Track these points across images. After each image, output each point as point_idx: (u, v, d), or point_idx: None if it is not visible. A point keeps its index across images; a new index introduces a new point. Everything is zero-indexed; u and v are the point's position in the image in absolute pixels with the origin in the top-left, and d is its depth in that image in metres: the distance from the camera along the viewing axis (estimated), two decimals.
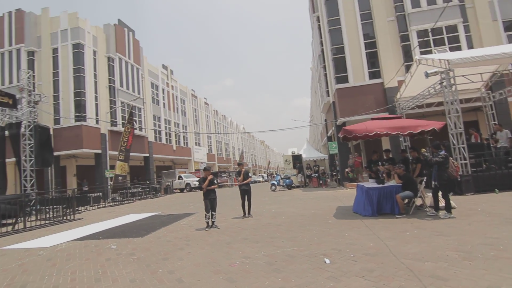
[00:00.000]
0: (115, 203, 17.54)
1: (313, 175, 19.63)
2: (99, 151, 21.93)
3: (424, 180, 7.07)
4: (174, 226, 7.99)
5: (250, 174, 8.66)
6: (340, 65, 17.55)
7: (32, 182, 14.10)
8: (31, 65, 21.89)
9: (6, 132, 13.78)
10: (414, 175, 7.42)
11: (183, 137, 37.05)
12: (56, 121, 21.30)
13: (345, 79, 17.26)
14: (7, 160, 14.08)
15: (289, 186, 19.35)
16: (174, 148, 34.11)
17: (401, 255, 3.93)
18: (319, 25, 20.30)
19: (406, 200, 7.09)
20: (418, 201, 7.16)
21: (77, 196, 15.23)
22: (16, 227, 9.30)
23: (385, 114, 13.92)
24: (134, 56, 27.43)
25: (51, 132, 17.20)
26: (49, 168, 18.06)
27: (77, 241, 6.94)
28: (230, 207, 11.35)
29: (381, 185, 7.10)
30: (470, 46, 15.52)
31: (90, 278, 4.11)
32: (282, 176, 20.84)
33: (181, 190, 26.84)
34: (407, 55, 16.03)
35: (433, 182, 6.30)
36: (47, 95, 20.22)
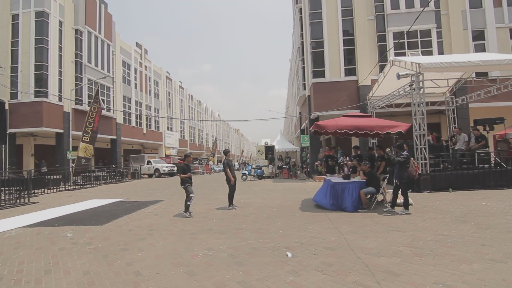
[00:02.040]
0: (77, 187, 16.65)
1: (284, 166, 19.93)
2: (61, 131, 20.51)
3: (387, 177, 7.41)
4: (138, 214, 7.73)
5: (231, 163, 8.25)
6: (318, 59, 17.69)
7: None
8: None
9: None
10: (378, 172, 7.74)
11: (155, 120, 35.75)
12: (13, 95, 19.51)
13: (321, 74, 17.46)
14: None
15: (260, 176, 19.52)
16: (145, 131, 32.86)
17: (359, 250, 4.09)
18: (301, 17, 20.21)
19: (369, 196, 7.41)
20: (380, 197, 7.51)
21: (34, 177, 14.23)
22: None
23: (357, 112, 14.32)
24: (106, 30, 25.65)
25: (7, 107, 15.72)
26: (3, 146, 16.62)
27: (29, 227, 6.47)
28: (199, 196, 11.21)
29: (346, 180, 7.33)
30: (441, 52, 16.30)
31: (39, 270, 3.84)
32: (254, 166, 20.94)
33: (150, 176, 26.08)
34: (382, 55, 16.50)
35: (394, 180, 6.63)
36: (4, 65, 18.40)
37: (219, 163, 44.08)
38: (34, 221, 7.10)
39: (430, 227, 5.18)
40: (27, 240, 5.35)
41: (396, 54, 16.08)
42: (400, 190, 6.55)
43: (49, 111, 19.68)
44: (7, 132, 14.98)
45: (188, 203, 7.04)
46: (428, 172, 9.82)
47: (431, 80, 11.78)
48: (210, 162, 39.13)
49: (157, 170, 25.67)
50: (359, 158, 8.13)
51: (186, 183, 7.23)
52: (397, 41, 16.45)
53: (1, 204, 9.81)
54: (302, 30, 20.10)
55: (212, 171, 35.31)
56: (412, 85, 10.45)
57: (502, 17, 16.45)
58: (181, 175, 7.27)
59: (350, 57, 17.57)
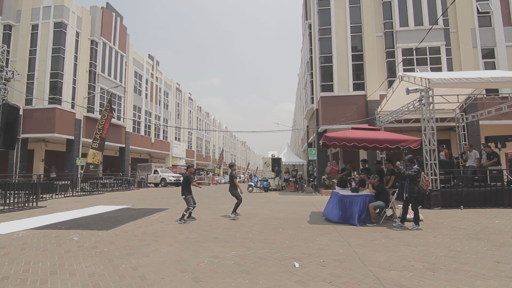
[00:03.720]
0: (84, 193, 16.77)
1: (290, 179, 19.77)
2: (72, 137, 20.89)
3: (396, 191, 7.27)
4: (143, 220, 7.71)
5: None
6: (327, 74, 17.84)
7: None
8: (6, 39, 20.56)
9: None
10: (387, 186, 7.61)
11: (163, 130, 36.18)
12: (28, 102, 20.08)
13: (330, 88, 17.57)
14: None
15: (266, 189, 19.37)
16: (153, 141, 33.23)
17: (369, 263, 3.98)
18: (310, 32, 20.56)
19: (378, 210, 7.27)
20: (389, 212, 7.36)
21: (43, 182, 14.40)
22: None
23: (365, 125, 14.27)
24: (120, 42, 26.49)
25: (21, 112, 16.15)
26: (14, 150, 16.98)
27: (36, 229, 6.50)
28: (204, 205, 11.17)
29: (355, 193, 7.23)
30: (450, 69, 16.28)
31: (45, 270, 3.83)
32: (260, 178, 20.83)
33: (156, 185, 26.14)
34: (391, 71, 16.56)
35: (404, 195, 6.50)
36: (21, 73, 19.03)
37: (225, 175, 44.03)
38: (42, 224, 7.14)
39: (442, 243, 5.03)
40: (34, 242, 5.37)
41: (405, 70, 16.12)
42: (411, 204, 6.42)
43: (62, 118, 20.13)
44: (18, 137, 15.34)
45: (185, 213, 7.46)
46: (439, 188, 9.62)
47: (440, 95, 11.72)
48: (216, 174, 39.09)
49: (163, 179, 25.74)
50: (368, 172, 8.03)
51: (186, 193, 7.57)
52: (405, 57, 16.52)
53: (10, 207, 9.92)
54: (311, 45, 20.39)
55: (218, 182, 35.23)
56: (422, 100, 10.40)
57: None
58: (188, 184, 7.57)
59: (358, 72, 17.68)
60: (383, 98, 14.51)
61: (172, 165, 34.92)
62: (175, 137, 39.58)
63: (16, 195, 10.83)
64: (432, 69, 16.02)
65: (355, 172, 12.03)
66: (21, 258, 4.37)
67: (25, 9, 21.13)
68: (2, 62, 13.97)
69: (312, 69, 20.24)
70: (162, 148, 35.58)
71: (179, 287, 3.24)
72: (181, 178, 7.94)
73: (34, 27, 20.96)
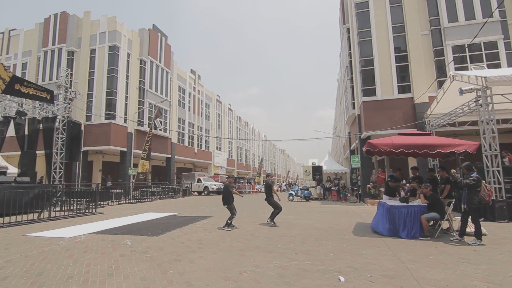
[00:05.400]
0: (135, 201, 18.03)
1: (332, 188, 19.12)
2: (125, 149, 22.77)
3: (453, 202, 6.62)
4: (189, 227, 8.03)
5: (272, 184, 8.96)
6: (368, 77, 17.15)
7: (60, 174, 14.84)
8: (70, 64, 23.33)
9: (40, 125, 14.64)
10: (442, 196, 6.97)
11: (205, 140, 37.66)
12: (88, 118, 22.44)
13: (372, 92, 16.83)
14: (37, 152, 14.87)
15: (307, 198, 18.96)
16: (196, 151, 34.72)
17: (423, 280, 3.66)
18: (349, 36, 20.05)
19: (432, 222, 6.69)
20: (445, 224, 6.72)
21: (101, 191, 15.84)
22: (41, 216, 9.77)
23: (413, 130, 13.34)
24: (165, 60, 28.48)
25: (82, 128, 18.10)
26: (77, 162, 18.96)
27: (95, 234, 7.15)
28: (245, 213, 11.29)
29: (404, 204, 6.74)
30: (511, 64, 14.61)
31: (103, 272, 4.18)
32: (301, 187, 20.48)
33: (199, 193, 27.12)
34: (440, 70, 15.36)
35: (463, 206, 5.89)
36: (82, 92, 21.38)
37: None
38: (100, 229, 7.83)
39: (510, 261, 4.44)
40: (93, 245, 5.90)
41: (457, 69, 14.84)
42: (470, 217, 5.79)
43: (116, 132, 22.09)
44: (81, 150, 17.12)
45: (229, 221, 7.75)
46: (504, 198, 8.55)
47: (501, 94, 10.52)
48: (256, 182, 39.35)
49: (206, 187, 26.65)
50: (419, 180, 7.44)
51: (228, 203, 7.86)
52: (457, 55, 15.22)
53: (73, 213, 11.07)
54: (350, 49, 19.84)
55: (258, 190, 35.41)
56: (478, 100, 9.45)
57: None
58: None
59: (403, 74, 16.69)
60: (432, 100, 13.46)
61: (214, 174, 36.03)
62: (217, 147, 40.90)
63: (78, 202, 12.07)
64: (489, 66, 14.50)
65: (405, 181, 11.26)
66: (83, 260, 4.82)
67: (84, 36, 23.85)
68: (67, 84, 15.81)
69: (352, 74, 19.62)
70: (205, 157, 36.98)
71: None
72: (223, 187, 8.29)
73: (92, 51, 23.52)
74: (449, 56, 15.48)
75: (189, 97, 34.28)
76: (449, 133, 14.46)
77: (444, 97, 11.71)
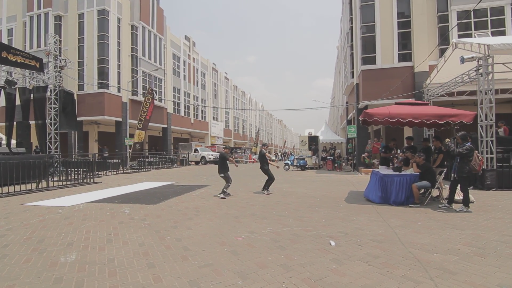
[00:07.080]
0: (133, 171, 18.22)
1: (328, 157, 19.37)
2: (120, 119, 22.53)
3: (444, 171, 6.75)
4: (186, 196, 8.21)
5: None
6: (369, 45, 16.62)
7: (56, 145, 14.78)
8: (58, 30, 22.24)
9: (31, 95, 14.22)
10: (435, 166, 7.10)
11: (202, 110, 37.28)
12: (80, 87, 21.90)
13: (372, 60, 16.40)
14: (30, 122, 14.57)
15: (303, 167, 19.27)
16: (192, 121, 34.50)
17: (410, 245, 3.84)
18: (350, 0, 19.08)
19: (422, 190, 6.87)
20: (435, 192, 6.92)
21: (97, 161, 15.90)
22: (40, 186, 9.88)
23: (411, 100, 13.24)
24: (158, 25, 27.19)
25: (75, 97, 17.69)
26: (72, 132, 18.82)
27: (94, 203, 7.29)
28: (241, 182, 11.50)
29: (397, 173, 6.87)
30: None
31: (102, 239, 4.32)
32: (297, 157, 20.71)
33: (196, 163, 27.41)
34: (443, 37, 14.88)
35: (452, 175, 6.02)
36: (72, 61, 20.63)
37: None
38: (98, 198, 7.97)
39: (494, 227, 4.64)
40: (92, 213, 6.04)
41: (461, 36, 14.38)
42: (459, 185, 5.94)
43: (110, 101, 21.70)
44: (77, 120, 16.91)
45: (225, 189, 7.95)
46: (495, 167, 8.74)
47: (502, 63, 10.31)
48: (253, 152, 39.68)
49: (203, 157, 26.88)
50: (413, 150, 7.52)
51: (224, 172, 8.04)
52: (461, 21, 14.65)
53: (71, 183, 11.20)
54: (351, 14, 18.96)
55: (255, 160, 35.83)
56: (479, 69, 9.28)
57: None
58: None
59: (405, 41, 16.16)
60: (432, 69, 13.21)
61: (211, 144, 36.17)
62: (213, 117, 40.61)
63: (76, 172, 12.16)
64: (494, 33, 14.05)
65: (399, 151, 11.38)
66: (82, 227, 4.96)
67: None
68: (56, 51, 15.16)
69: (352, 41, 18.94)
70: (201, 127, 36.86)
71: (218, 259, 3.44)
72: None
73: (80, 16, 22.33)
74: (453, 22, 14.91)
75: (184, 65, 33.29)
76: (446, 103, 14.38)
77: (445, 66, 11.47)
